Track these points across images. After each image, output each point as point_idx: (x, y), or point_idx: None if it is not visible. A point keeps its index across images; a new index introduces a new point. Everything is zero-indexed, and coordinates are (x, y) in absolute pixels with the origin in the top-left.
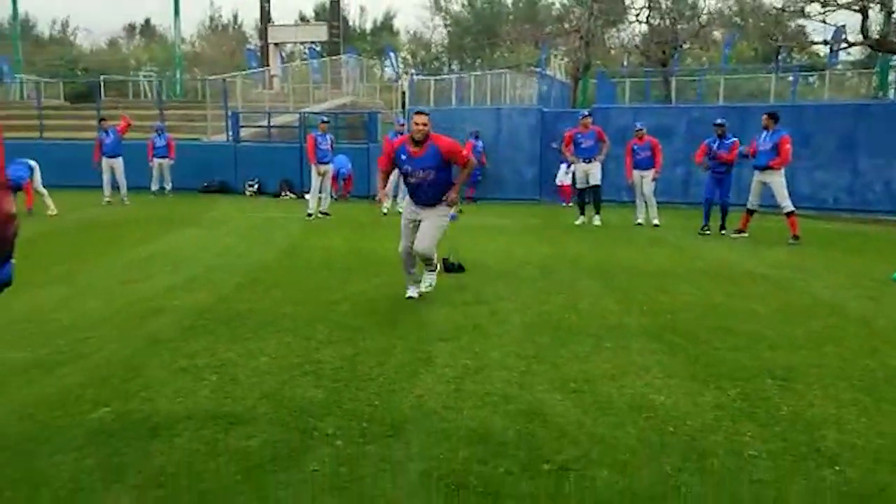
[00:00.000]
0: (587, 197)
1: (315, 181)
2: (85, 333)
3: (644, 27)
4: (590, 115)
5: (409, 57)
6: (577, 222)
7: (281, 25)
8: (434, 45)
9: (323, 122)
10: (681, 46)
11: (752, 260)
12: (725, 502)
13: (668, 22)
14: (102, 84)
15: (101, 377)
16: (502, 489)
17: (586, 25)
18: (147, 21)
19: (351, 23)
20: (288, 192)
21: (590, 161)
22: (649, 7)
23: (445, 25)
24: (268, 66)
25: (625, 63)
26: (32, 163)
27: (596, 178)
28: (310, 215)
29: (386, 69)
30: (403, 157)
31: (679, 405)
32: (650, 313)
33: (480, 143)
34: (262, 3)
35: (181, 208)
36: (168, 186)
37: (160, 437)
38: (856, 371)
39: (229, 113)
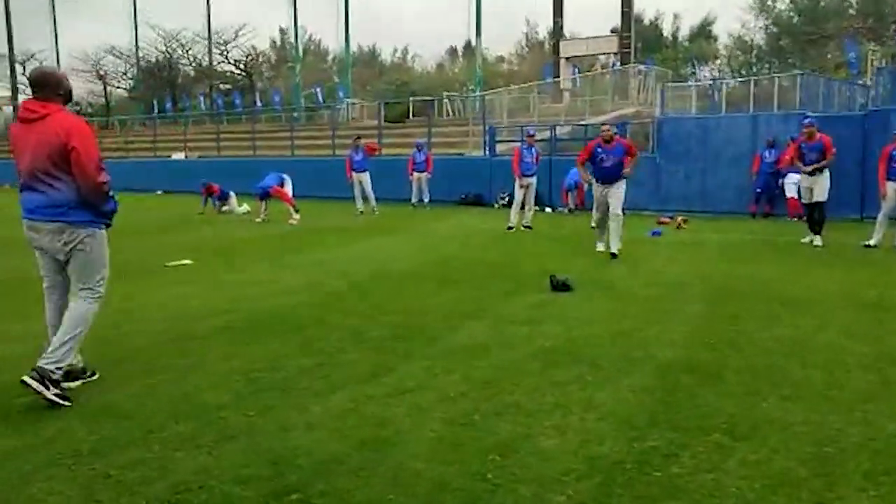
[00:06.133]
0: (815, 213)
1: (518, 194)
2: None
3: None
4: (812, 122)
5: (725, 62)
6: (804, 240)
7: (571, 39)
8: (755, 47)
9: (529, 135)
10: None
11: None
12: None
13: None
14: (411, 105)
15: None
16: None
17: None
18: (468, 43)
19: (665, 32)
20: None
21: (812, 174)
22: None
23: (766, 28)
24: (558, 78)
25: None
26: (285, 175)
27: (819, 194)
28: (510, 228)
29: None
30: (599, 150)
31: (564, 446)
32: (702, 347)
33: (768, 153)
34: (554, 19)
35: (406, 220)
36: (426, 199)
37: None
38: (816, 435)
39: (487, 128)
